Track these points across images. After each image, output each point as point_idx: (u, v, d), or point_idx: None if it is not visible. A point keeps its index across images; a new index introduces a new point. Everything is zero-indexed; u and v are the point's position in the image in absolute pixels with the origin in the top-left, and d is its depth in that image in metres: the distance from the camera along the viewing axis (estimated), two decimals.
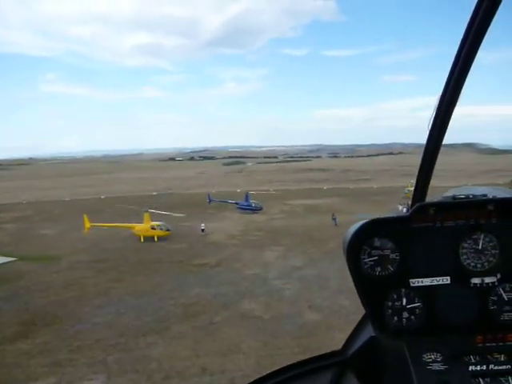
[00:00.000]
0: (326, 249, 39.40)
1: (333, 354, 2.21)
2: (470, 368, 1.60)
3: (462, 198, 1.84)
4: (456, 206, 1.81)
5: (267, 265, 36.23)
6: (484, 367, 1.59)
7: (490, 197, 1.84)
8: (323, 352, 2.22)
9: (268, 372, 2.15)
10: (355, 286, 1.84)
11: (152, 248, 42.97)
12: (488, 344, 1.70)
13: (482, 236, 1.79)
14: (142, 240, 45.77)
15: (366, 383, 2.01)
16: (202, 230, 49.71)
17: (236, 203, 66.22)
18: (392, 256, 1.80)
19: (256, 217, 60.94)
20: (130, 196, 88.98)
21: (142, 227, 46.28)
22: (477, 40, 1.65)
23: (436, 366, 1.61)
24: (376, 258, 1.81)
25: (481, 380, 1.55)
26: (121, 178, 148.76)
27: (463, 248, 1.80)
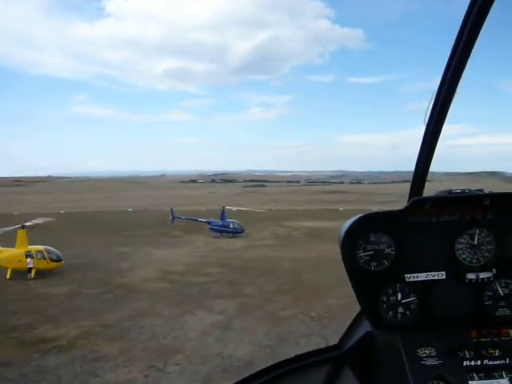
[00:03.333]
0: (322, 313, 19.71)
1: (329, 348, 2.12)
2: (465, 363, 1.53)
3: (458, 193, 1.77)
4: (452, 201, 1.76)
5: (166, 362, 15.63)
6: (478, 362, 1.53)
7: (486, 192, 1.79)
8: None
9: (264, 367, 2.03)
10: (350, 281, 1.77)
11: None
12: (483, 339, 1.62)
13: (478, 231, 1.73)
14: (9, 276, 25.60)
15: (362, 378, 1.91)
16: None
17: (208, 222, 45.76)
18: (387, 251, 1.74)
19: (232, 242, 40.39)
20: (99, 211, 69.76)
21: (11, 254, 26.00)
22: (468, 45, 1.61)
23: (430, 361, 1.54)
24: (371, 252, 1.75)
25: (475, 375, 1.49)
26: (121, 196, 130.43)
27: (459, 243, 1.74)
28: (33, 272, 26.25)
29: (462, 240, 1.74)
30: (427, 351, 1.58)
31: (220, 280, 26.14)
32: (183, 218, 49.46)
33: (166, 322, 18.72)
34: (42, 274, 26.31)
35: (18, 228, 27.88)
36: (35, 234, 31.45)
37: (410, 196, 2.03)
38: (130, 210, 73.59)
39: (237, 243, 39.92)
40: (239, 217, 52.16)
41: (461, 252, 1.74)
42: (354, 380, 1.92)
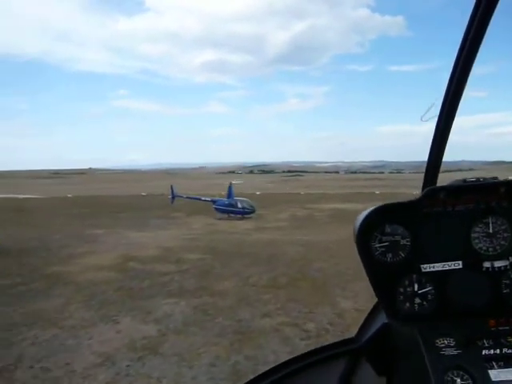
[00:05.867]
0: (325, 325, 11.79)
1: (346, 341, 2.15)
2: (484, 352, 1.49)
3: (473, 181, 1.71)
4: (467, 190, 1.69)
5: None
6: (498, 351, 1.49)
7: (501, 180, 1.74)
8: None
9: (280, 362, 2.06)
10: (366, 273, 1.74)
11: None
12: (501, 328, 1.58)
13: (493, 219, 1.67)
14: None
15: (380, 370, 1.89)
16: None
17: (212, 201, 38.04)
18: (403, 242, 1.69)
19: (237, 224, 32.47)
20: (110, 196, 63.65)
21: None
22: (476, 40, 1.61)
23: (449, 351, 1.50)
24: (387, 244, 1.70)
25: (494, 363, 1.45)
26: (148, 185, 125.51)
27: (474, 232, 1.67)
28: None
29: (477, 229, 1.67)
30: (445, 341, 1.54)
31: (192, 269, 18.23)
32: (184, 196, 42.14)
33: (57, 336, 11.00)
34: None
35: None
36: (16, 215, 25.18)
37: (424, 186, 1.99)
38: (144, 194, 67.14)
39: (242, 225, 32.02)
40: (260, 200, 44.59)
41: (477, 241, 1.67)
42: (372, 372, 1.90)
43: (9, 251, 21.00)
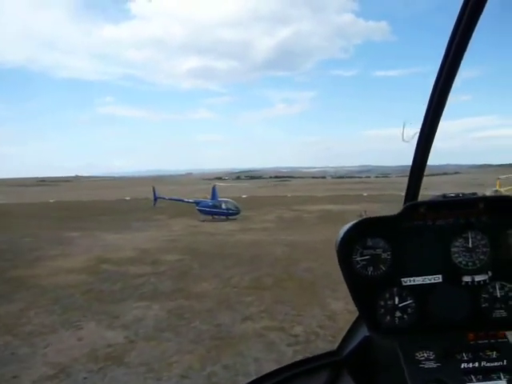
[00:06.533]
0: (314, 328, 10.60)
1: (328, 354, 2.10)
2: (463, 365, 1.51)
3: (453, 197, 1.72)
4: (447, 205, 1.70)
5: None
6: (476, 364, 1.51)
7: (480, 195, 1.77)
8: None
9: (262, 374, 1.94)
10: (348, 286, 1.71)
11: None
12: (480, 341, 1.60)
13: (473, 234, 1.68)
14: None
15: (361, 382, 1.89)
16: None
17: (195, 203, 36.75)
18: (384, 255, 1.68)
19: (221, 225, 31.18)
20: (93, 201, 61.82)
21: None
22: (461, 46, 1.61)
23: (428, 364, 1.52)
24: (368, 257, 1.68)
25: (473, 377, 1.47)
26: (132, 190, 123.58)
27: (454, 246, 1.68)
28: None
29: (457, 243, 1.68)
30: (425, 354, 1.55)
31: (170, 270, 16.92)
32: (166, 198, 40.86)
33: (9, 344, 9.62)
34: None
35: None
36: None
37: (406, 200, 2.00)
38: (128, 198, 65.47)
39: (226, 226, 30.75)
40: (247, 203, 43.43)
41: (457, 255, 1.68)
42: None
43: None
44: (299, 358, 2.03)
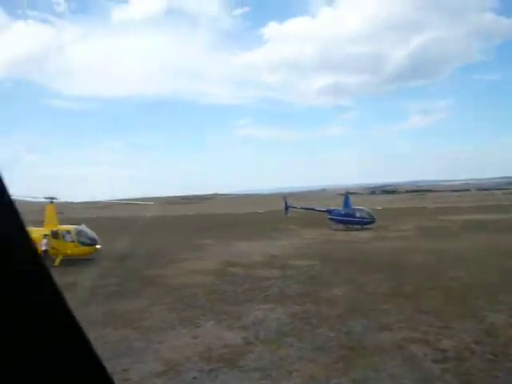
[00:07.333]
0: None
1: None
2: None
3: None
4: None
5: None
6: None
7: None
8: None
9: None
10: None
11: None
12: None
13: None
14: None
15: None
16: None
17: (327, 211, 35.03)
18: None
19: (354, 234, 29.19)
20: (227, 214, 63.89)
21: (36, 233, 18.72)
22: None
23: None
24: None
25: None
26: (265, 205, 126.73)
27: None
28: (57, 259, 19.04)
29: None
30: None
31: (298, 275, 15.62)
32: (298, 207, 39.77)
33: (127, 337, 9.15)
34: (71, 261, 19.00)
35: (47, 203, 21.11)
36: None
37: None
38: (261, 211, 66.30)
39: (359, 235, 28.62)
40: (381, 214, 40.65)
41: None
42: None
43: (116, 257, 20.40)
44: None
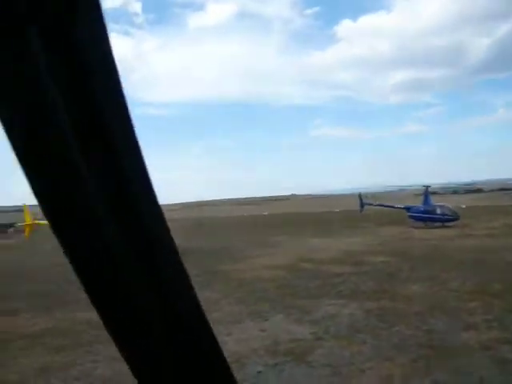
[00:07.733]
0: None
1: None
2: None
3: None
4: None
5: None
6: None
7: None
8: None
9: None
10: None
11: None
12: None
13: None
14: None
15: None
16: None
17: (406, 208, 33.28)
18: None
19: (433, 232, 27.43)
20: (306, 212, 63.35)
21: None
22: None
23: None
24: None
25: None
26: (341, 204, 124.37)
27: None
28: None
29: None
30: None
31: (373, 271, 14.80)
32: (374, 204, 38.23)
33: None
34: None
35: None
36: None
37: None
38: (337, 210, 64.81)
39: (440, 233, 26.78)
40: (466, 212, 38.20)
41: None
42: None
43: (191, 251, 20.64)
44: None
